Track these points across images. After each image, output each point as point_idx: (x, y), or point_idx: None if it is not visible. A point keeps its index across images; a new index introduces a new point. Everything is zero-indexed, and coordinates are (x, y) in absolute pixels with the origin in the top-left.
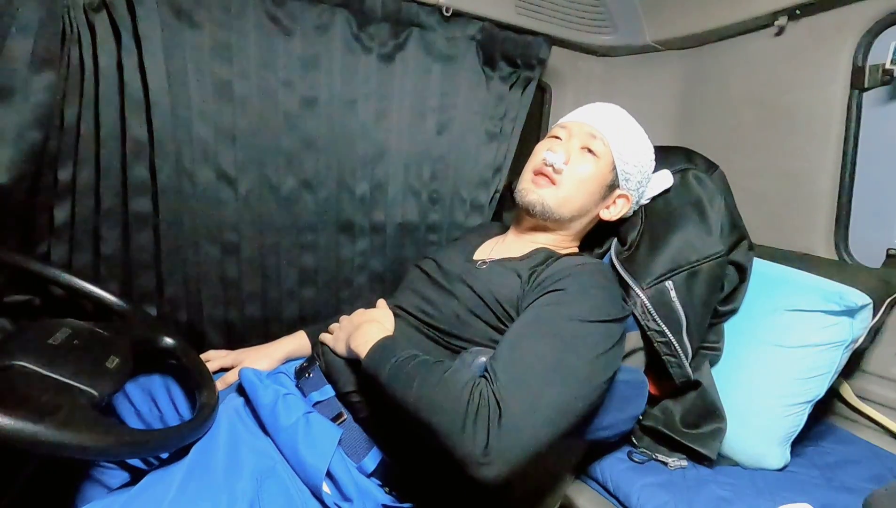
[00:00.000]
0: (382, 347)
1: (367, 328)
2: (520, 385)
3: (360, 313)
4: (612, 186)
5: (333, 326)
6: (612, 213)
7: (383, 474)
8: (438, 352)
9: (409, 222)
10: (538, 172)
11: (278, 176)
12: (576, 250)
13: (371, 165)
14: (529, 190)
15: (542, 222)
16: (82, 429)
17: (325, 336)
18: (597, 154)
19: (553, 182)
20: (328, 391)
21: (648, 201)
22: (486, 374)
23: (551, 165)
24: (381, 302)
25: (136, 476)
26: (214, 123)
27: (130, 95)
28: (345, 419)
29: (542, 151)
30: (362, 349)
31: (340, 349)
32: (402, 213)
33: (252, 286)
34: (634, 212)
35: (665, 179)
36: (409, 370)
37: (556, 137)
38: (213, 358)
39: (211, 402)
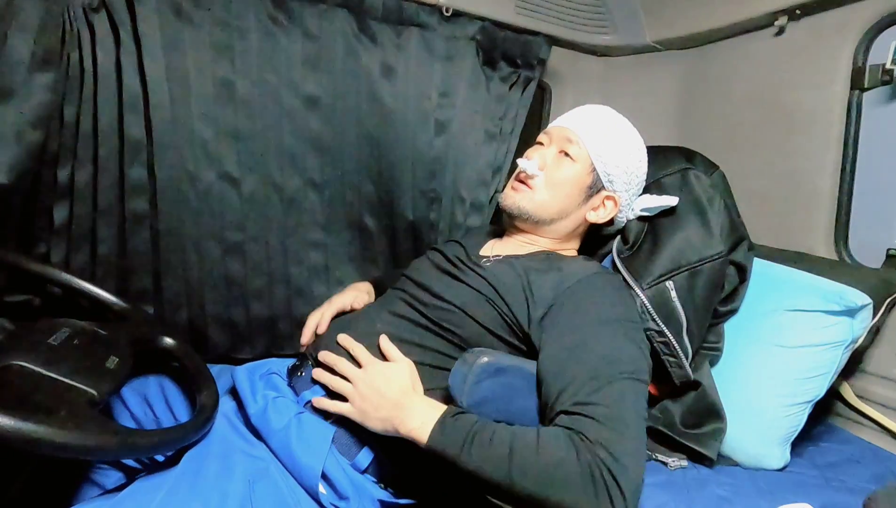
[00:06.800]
0: (446, 428)
1: (409, 406)
2: (614, 432)
3: (373, 369)
4: (595, 188)
5: (338, 382)
6: (599, 215)
7: (377, 470)
8: (435, 342)
9: (411, 221)
10: (517, 179)
11: (282, 176)
12: (574, 252)
13: (374, 165)
14: (507, 195)
15: (526, 225)
16: (82, 429)
17: (339, 407)
18: (573, 158)
19: (530, 187)
20: (320, 390)
21: (649, 214)
22: (573, 427)
23: (524, 172)
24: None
25: (131, 477)
26: (216, 123)
27: (129, 95)
28: (337, 416)
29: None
30: (419, 434)
31: (376, 427)
32: (403, 212)
33: (258, 284)
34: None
35: (670, 200)
36: (495, 448)
37: (540, 144)
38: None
39: (211, 402)
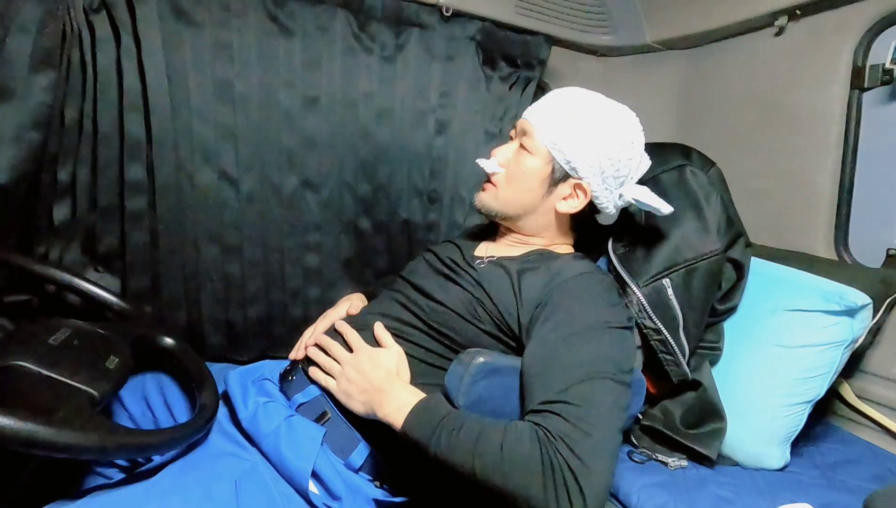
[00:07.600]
0: (421, 413)
1: (390, 390)
2: (580, 432)
3: (362, 354)
4: (557, 178)
5: (328, 361)
6: (571, 205)
7: (372, 468)
8: (432, 345)
9: (411, 221)
10: (486, 179)
11: (280, 176)
12: (569, 248)
13: (372, 165)
14: (477, 196)
15: (506, 223)
16: (82, 429)
17: (327, 381)
18: (529, 150)
19: (494, 185)
20: (312, 392)
21: (640, 207)
22: (540, 423)
23: (484, 171)
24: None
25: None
26: (215, 123)
27: (129, 95)
28: (329, 418)
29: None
30: (395, 418)
31: (357, 409)
32: (403, 212)
33: (255, 286)
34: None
35: (664, 208)
36: (463, 436)
37: (510, 137)
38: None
39: (212, 402)
